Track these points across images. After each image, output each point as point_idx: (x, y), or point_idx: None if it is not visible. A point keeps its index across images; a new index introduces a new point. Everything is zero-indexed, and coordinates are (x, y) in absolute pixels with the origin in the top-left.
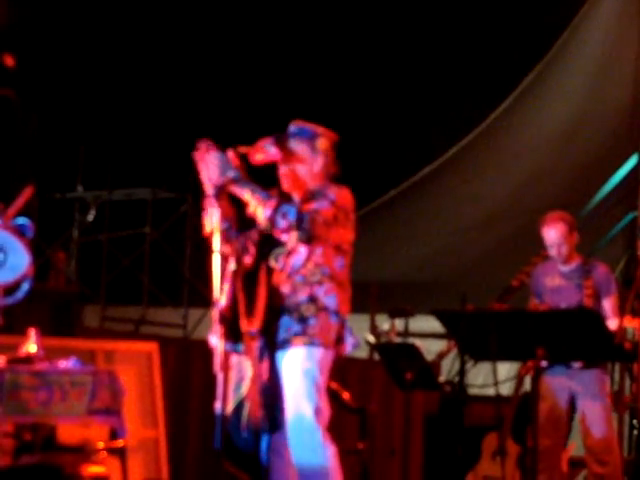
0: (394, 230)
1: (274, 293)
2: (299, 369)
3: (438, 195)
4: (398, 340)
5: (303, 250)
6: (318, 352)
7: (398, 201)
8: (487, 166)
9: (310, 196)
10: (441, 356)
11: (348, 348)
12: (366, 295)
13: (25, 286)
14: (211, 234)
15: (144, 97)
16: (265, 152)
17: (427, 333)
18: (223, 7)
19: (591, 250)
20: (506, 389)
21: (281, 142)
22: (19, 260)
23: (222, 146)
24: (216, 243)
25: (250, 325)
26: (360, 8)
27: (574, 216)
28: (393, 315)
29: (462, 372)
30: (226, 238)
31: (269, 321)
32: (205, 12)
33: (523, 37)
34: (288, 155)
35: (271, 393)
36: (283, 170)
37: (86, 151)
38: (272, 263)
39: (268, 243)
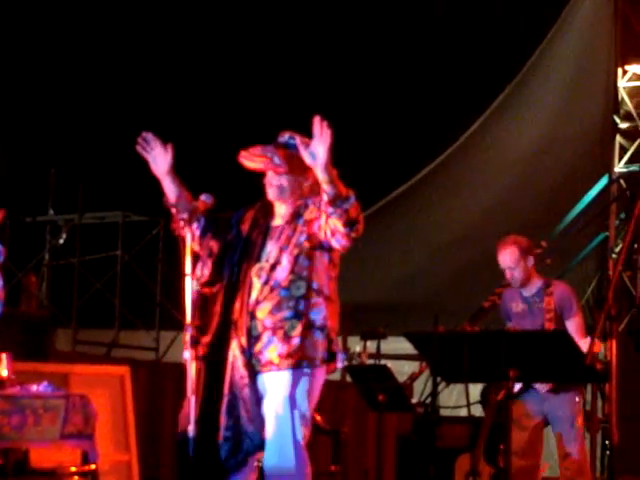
0: (365, 251)
1: (256, 309)
2: (283, 396)
3: (409, 216)
4: (370, 362)
5: (285, 262)
6: (304, 374)
7: (369, 222)
8: (459, 186)
9: (304, 209)
10: (413, 378)
11: (338, 364)
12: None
13: None
14: (183, 257)
15: (115, 120)
16: (268, 160)
17: (399, 355)
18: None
19: (563, 270)
20: (478, 410)
21: (285, 152)
22: None
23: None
24: (188, 266)
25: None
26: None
27: (545, 236)
28: (365, 337)
29: (434, 393)
30: (191, 230)
31: (250, 340)
32: (191, 30)
33: (495, 56)
34: (291, 166)
35: (245, 413)
36: (279, 181)
37: (57, 174)
38: (255, 275)
39: (245, 256)
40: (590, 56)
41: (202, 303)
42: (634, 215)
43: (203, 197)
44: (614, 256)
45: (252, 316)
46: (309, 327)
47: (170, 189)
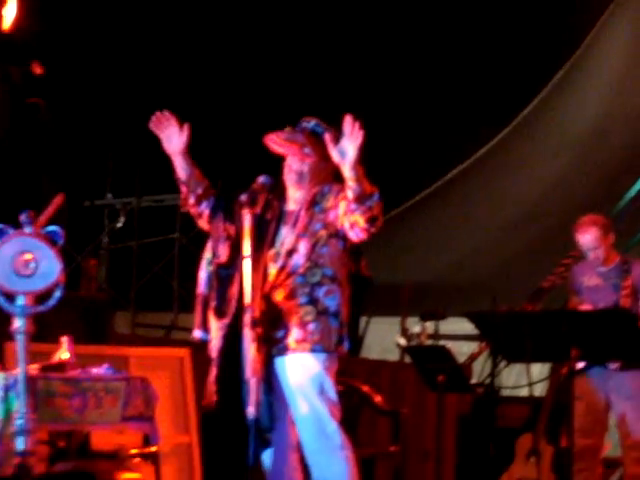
0: (425, 232)
1: (272, 294)
2: (309, 375)
3: (468, 196)
4: (429, 342)
5: (303, 249)
6: (321, 358)
7: (428, 203)
8: (517, 167)
9: (320, 197)
10: (473, 358)
11: (344, 349)
12: (397, 298)
13: (57, 293)
14: (242, 238)
15: (173, 103)
16: (298, 148)
17: (458, 335)
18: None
19: (622, 249)
20: (539, 390)
21: (312, 140)
22: (51, 267)
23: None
24: (247, 248)
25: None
26: (388, 13)
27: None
28: (424, 318)
29: (494, 373)
30: (198, 213)
31: (265, 323)
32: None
33: (549, 38)
34: (317, 154)
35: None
36: (301, 167)
37: (115, 158)
38: (270, 260)
39: (259, 240)
40: None
41: (219, 285)
42: None
43: (262, 179)
44: None
45: (267, 300)
46: (324, 313)
47: (182, 167)
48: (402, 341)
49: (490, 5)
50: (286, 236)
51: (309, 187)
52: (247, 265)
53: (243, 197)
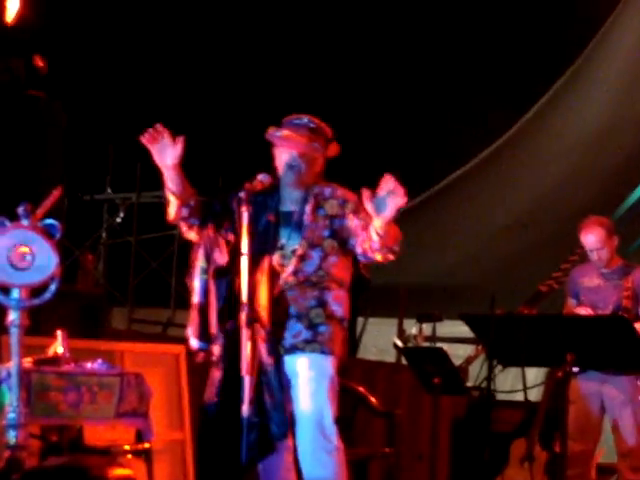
0: (422, 234)
1: (283, 297)
2: (319, 374)
3: (467, 199)
4: (426, 344)
5: (316, 256)
6: (329, 359)
7: (427, 205)
8: (517, 170)
9: (322, 200)
10: (469, 361)
11: (346, 355)
12: (394, 299)
13: (53, 287)
14: (240, 236)
15: (174, 100)
16: (307, 143)
17: (455, 338)
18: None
19: (622, 255)
20: (534, 394)
21: (313, 133)
22: (47, 261)
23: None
24: (244, 246)
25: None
26: (394, 16)
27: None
28: (421, 320)
29: (490, 377)
30: (189, 225)
31: (276, 325)
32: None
33: (554, 41)
34: (319, 147)
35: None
36: (300, 164)
37: (115, 153)
38: (277, 263)
39: (261, 243)
40: None
41: (218, 290)
42: None
43: (260, 177)
44: None
45: (277, 303)
46: (331, 317)
47: (173, 180)
48: (399, 342)
49: (494, 9)
50: (291, 238)
51: (305, 185)
52: (244, 263)
53: (242, 194)
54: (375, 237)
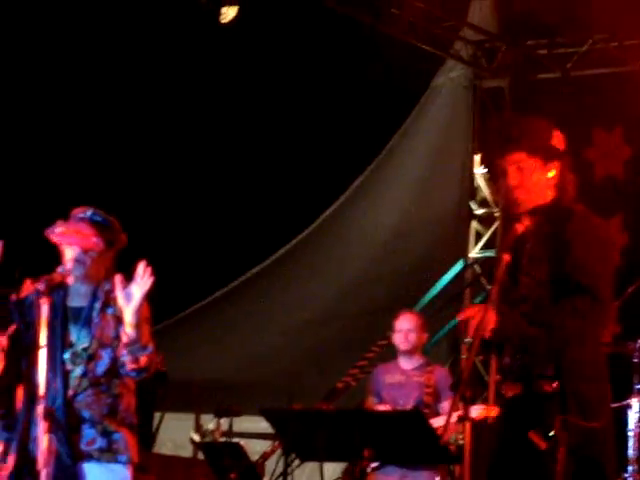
0: (221, 328)
1: (74, 401)
2: None
3: (264, 295)
4: (223, 439)
5: (107, 359)
6: (126, 468)
7: (223, 301)
8: (314, 269)
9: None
10: (265, 456)
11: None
12: (190, 394)
13: None
14: (38, 327)
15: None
16: (87, 237)
17: (252, 433)
18: None
19: (422, 350)
20: None
21: (96, 226)
22: None
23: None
24: (42, 338)
25: None
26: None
27: None
28: (219, 414)
29: (285, 472)
30: None
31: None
32: None
33: (352, 141)
34: (103, 240)
35: None
36: (86, 260)
37: None
38: (67, 362)
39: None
40: (446, 144)
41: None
42: (489, 300)
43: (60, 269)
44: (467, 340)
45: (68, 406)
46: (123, 424)
47: None
48: (196, 437)
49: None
50: (80, 336)
51: (94, 280)
52: (42, 355)
53: (41, 286)
54: (124, 337)
